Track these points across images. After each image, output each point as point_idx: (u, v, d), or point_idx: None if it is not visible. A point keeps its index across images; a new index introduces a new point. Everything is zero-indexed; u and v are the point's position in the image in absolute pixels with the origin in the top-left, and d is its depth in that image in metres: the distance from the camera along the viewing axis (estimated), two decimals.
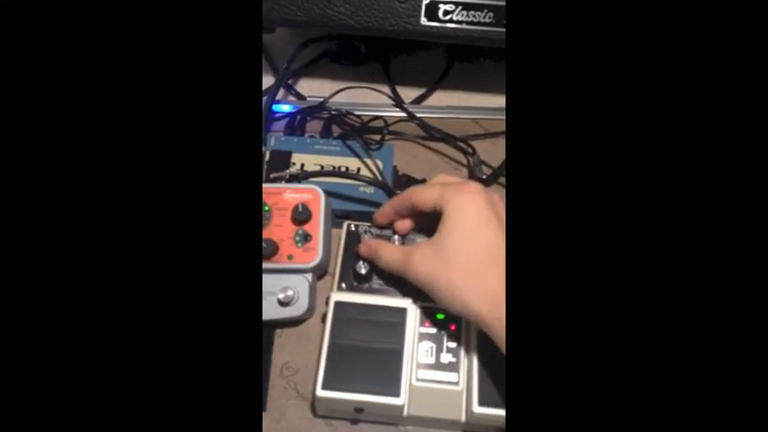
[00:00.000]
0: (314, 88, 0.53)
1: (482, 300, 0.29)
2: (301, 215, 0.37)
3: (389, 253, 0.35)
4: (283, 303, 0.36)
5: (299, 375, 0.36)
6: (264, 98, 0.45)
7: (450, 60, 0.55)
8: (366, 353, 0.33)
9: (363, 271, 0.36)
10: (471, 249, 0.30)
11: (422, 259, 0.32)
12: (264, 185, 0.39)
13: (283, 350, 0.37)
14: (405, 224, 0.37)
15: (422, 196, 0.34)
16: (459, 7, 0.42)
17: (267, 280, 0.36)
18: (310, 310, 0.37)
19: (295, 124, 0.47)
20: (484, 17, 0.43)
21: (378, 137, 0.46)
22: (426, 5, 0.42)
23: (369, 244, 0.37)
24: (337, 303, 0.35)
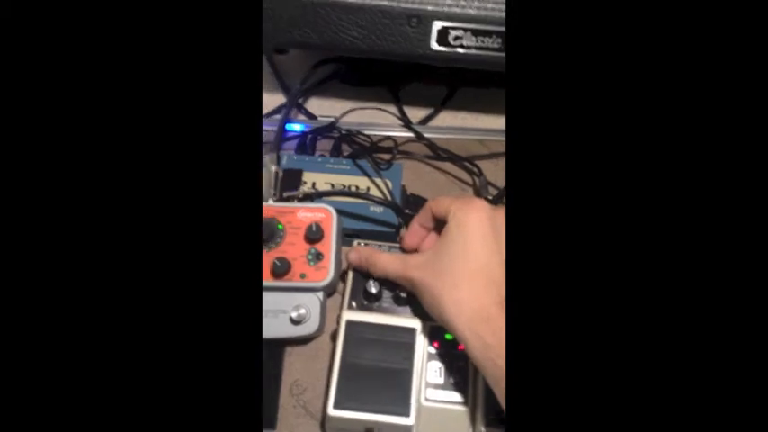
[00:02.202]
0: (324, 108, 0.54)
1: (463, 315, 0.30)
2: (314, 234, 0.37)
3: (387, 260, 0.36)
4: (295, 321, 0.36)
5: (308, 393, 0.37)
6: (277, 116, 0.45)
7: (456, 83, 0.57)
8: (376, 372, 0.34)
9: (374, 290, 0.37)
10: (462, 265, 0.32)
11: (417, 266, 0.34)
12: (278, 204, 0.39)
13: (293, 368, 0.38)
14: (432, 240, 0.38)
15: (437, 204, 0.36)
16: (469, 33, 0.43)
17: (279, 298, 0.37)
18: (321, 328, 0.38)
19: (306, 143, 0.48)
20: (492, 43, 0.44)
21: (387, 156, 0.47)
22: (438, 31, 0.43)
23: (359, 250, 0.38)
24: (348, 322, 0.35)
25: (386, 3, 0.43)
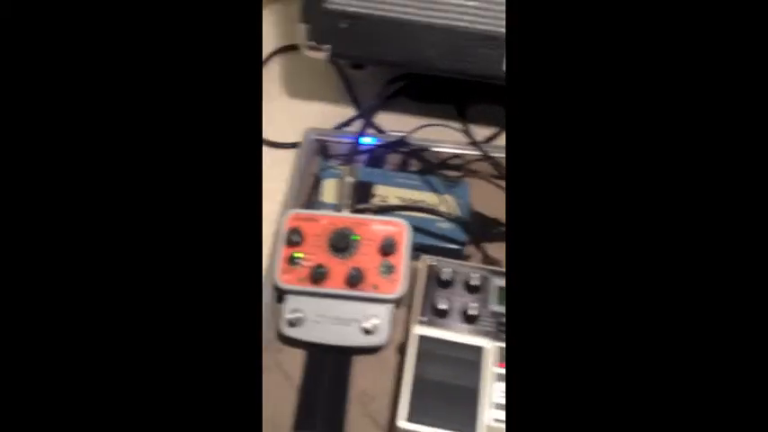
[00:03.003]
0: (390, 122, 0.55)
1: None
2: (389, 247, 0.38)
3: None
4: (368, 331, 0.37)
5: (375, 404, 0.37)
6: (348, 129, 0.47)
7: None
8: (445, 389, 0.34)
9: (443, 306, 0.37)
10: None
11: None
12: (353, 216, 0.41)
13: (360, 377, 0.38)
14: None
15: None
16: None
17: (351, 307, 0.38)
18: (389, 339, 0.38)
19: (376, 156, 0.49)
20: None
21: (454, 173, 0.48)
22: None
23: None
24: (420, 337, 0.36)
25: (465, 24, 0.44)
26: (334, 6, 0.44)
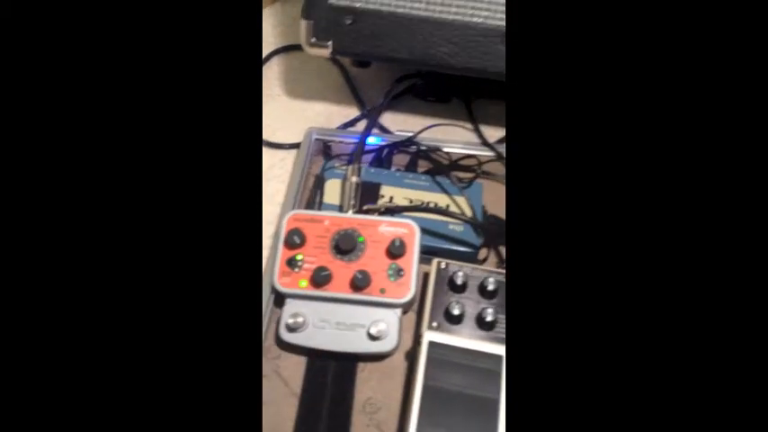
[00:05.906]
0: (397, 122, 0.53)
1: None
2: (397, 249, 0.36)
3: None
4: (374, 337, 0.35)
5: (382, 413, 0.35)
6: (353, 129, 0.45)
7: None
8: (461, 399, 0.32)
9: (457, 312, 0.35)
10: None
11: None
12: (359, 216, 0.39)
13: (365, 385, 0.36)
14: None
15: None
16: None
17: (357, 312, 0.36)
18: (397, 346, 0.36)
19: (382, 157, 0.47)
20: None
21: (466, 174, 0.46)
22: None
23: None
24: (431, 343, 0.34)
25: (479, 20, 0.42)
26: (339, 2, 0.43)
